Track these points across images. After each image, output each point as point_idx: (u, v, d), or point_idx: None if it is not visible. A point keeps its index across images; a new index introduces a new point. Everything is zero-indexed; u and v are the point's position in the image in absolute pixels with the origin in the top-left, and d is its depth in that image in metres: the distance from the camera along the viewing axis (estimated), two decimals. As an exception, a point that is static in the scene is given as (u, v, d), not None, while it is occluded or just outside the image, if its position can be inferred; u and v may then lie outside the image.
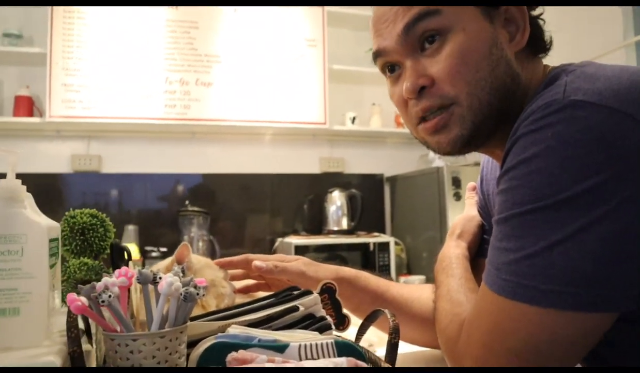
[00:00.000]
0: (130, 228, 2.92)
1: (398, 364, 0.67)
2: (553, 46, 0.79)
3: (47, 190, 2.99)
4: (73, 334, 0.58)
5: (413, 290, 0.99)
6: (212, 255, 3.00)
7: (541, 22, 0.79)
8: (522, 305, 0.58)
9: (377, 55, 0.79)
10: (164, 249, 2.88)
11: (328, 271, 0.93)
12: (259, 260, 0.92)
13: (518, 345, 0.59)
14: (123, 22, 2.96)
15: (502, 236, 0.62)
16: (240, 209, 3.31)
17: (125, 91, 2.93)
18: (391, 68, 0.79)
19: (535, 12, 0.78)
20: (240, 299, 0.96)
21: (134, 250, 2.80)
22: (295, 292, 0.78)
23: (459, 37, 0.71)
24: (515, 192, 0.61)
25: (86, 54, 2.88)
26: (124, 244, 0.90)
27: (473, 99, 0.71)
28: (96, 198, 3.08)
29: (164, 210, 3.18)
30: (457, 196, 2.80)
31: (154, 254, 2.86)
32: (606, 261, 0.55)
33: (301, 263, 0.93)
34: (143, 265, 2.80)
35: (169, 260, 0.87)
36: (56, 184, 3.03)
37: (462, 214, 0.98)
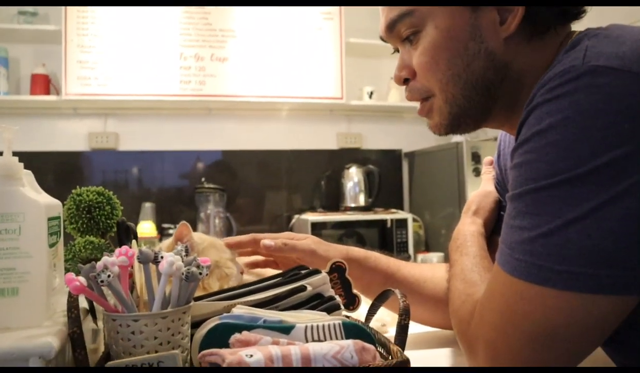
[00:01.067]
0: (147, 206, 2.93)
1: (408, 346, 0.65)
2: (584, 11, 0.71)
3: (65, 168, 3.01)
4: (73, 315, 0.57)
5: (425, 269, 0.96)
6: (229, 232, 3.00)
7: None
8: (536, 287, 0.55)
9: (382, 38, 0.82)
10: (181, 226, 2.89)
11: (338, 250, 0.91)
12: (268, 239, 0.90)
13: (532, 328, 0.56)
14: (137, -3, 2.93)
15: (516, 214, 0.59)
16: (257, 185, 3.30)
17: (140, 68, 2.92)
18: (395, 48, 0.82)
19: None
20: (247, 276, 0.94)
21: (150, 227, 2.81)
22: (303, 271, 0.76)
23: (431, 34, 0.71)
24: (529, 166, 0.58)
25: (101, 31, 2.87)
26: (130, 223, 0.89)
27: (446, 94, 0.72)
28: (115, 176, 3.10)
29: (181, 187, 3.18)
30: (477, 172, 2.75)
31: (170, 231, 2.87)
32: (628, 241, 0.51)
33: (311, 241, 0.91)
34: (160, 242, 2.81)
35: (170, 240, 0.86)
36: (74, 162, 3.05)
37: (478, 189, 0.95)
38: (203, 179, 3.10)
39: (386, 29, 0.76)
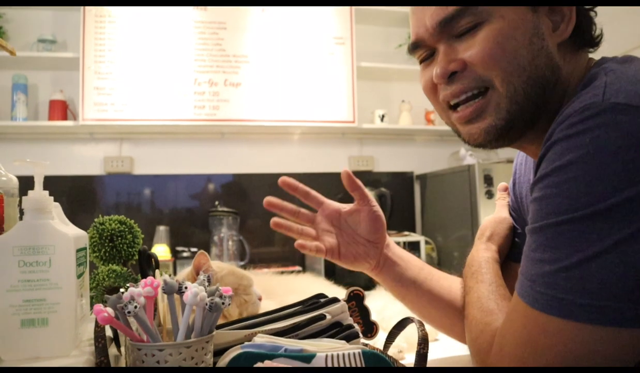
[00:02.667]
0: (162, 229, 2.96)
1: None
2: (603, 37, 0.76)
3: (81, 192, 3.05)
4: (100, 344, 0.58)
5: (444, 279, 0.95)
6: (242, 254, 3.01)
7: (592, 15, 0.75)
8: (558, 320, 0.55)
9: (414, 45, 0.78)
10: (194, 249, 2.90)
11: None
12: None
13: (552, 361, 0.56)
14: (152, 25, 2.99)
15: (537, 246, 0.60)
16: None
17: (155, 93, 2.96)
18: (425, 57, 0.78)
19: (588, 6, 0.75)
20: (267, 302, 0.95)
21: (164, 250, 2.83)
22: (322, 300, 0.77)
23: (497, 23, 0.69)
24: (550, 201, 0.59)
25: (117, 58, 2.93)
26: (152, 251, 0.90)
27: (509, 86, 0.69)
28: (128, 199, 3.13)
29: (194, 210, 3.21)
30: (489, 194, 2.74)
31: (184, 254, 2.89)
32: None
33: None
34: (174, 265, 2.82)
35: (189, 269, 0.87)
36: (90, 186, 3.09)
37: (492, 215, 0.95)
38: (217, 202, 3.12)
39: (439, 24, 0.72)
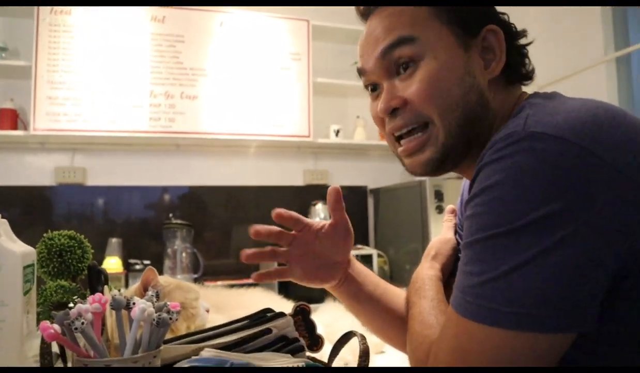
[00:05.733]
0: (114, 241, 2.91)
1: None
2: (535, 73, 0.82)
3: (31, 203, 2.98)
4: (46, 361, 0.59)
5: (397, 297, 0.99)
6: (196, 267, 3.00)
7: (525, 52, 0.82)
8: (485, 327, 0.60)
9: (360, 74, 0.85)
10: (147, 262, 2.87)
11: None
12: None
13: (480, 365, 0.61)
14: (108, 35, 2.96)
15: (467, 260, 0.64)
16: (224, 221, 3.31)
17: (110, 104, 2.93)
18: (373, 87, 0.84)
19: (521, 42, 0.82)
20: (216, 316, 0.97)
21: (116, 263, 2.79)
22: (269, 314, 0.79)
23: (430, 64, 0.75)
24: (479, 218, 0.63)
25: (71, 67, 2.88)
26: (104, 264, 0.91)
27: (444, 122, 0.75)
28: (81, 210, 3.08)
29: (148, 222, 3.18)
30: (440, 209, 2.82)
31: (137, 267, 2.85)
32: (564, 284, 0.57)
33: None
34: (126, 278, 2.78)
35: (137, 285, 0.88)
36: (40, 197, 3.02)
37: (439, 236, 1.00)
38: (171, 214, 3.10)
39: (380, 54, 0.78)
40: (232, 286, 1.36)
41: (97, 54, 2.93)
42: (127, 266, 2.88)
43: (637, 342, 0.64)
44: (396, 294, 0.99)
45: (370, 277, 0.99)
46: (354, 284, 0.96)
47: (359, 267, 0.98)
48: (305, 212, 3.26)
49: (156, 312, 0.63)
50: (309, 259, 0.93)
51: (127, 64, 2.98)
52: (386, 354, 1.11)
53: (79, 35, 2.91)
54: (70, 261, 0.90)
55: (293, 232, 0.93)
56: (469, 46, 0.77)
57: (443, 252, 0.95)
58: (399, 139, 0.81)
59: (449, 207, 1.04)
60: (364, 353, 0.70)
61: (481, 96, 0.76)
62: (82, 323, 0.59)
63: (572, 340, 0.60)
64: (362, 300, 0.96)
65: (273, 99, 3.23)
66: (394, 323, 0.95)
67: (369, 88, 0.85)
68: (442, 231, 1.01)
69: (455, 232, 0.99)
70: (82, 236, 0.94)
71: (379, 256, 3.18)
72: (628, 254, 0.59)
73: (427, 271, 0.90)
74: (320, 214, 3.21)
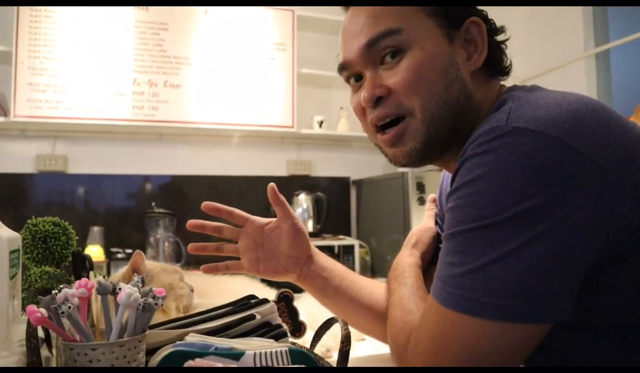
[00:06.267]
0: (96, 230, 2.90)
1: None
2: (512, 67, 0.85)
3: (11, 190, 2.95)
4: (32, 344, 0.59)
5: (367, 281, 1.01)
6: (178, 256, 3.00)
7: (503, 47, 0.84)
8: (464, 316, 0.62)
9: (342, 67, 0.85)
10: (129, 250, 2.86)
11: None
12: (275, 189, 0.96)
13: (460, 353, 0.63)
14: (91, 22, 2.93)
15: (448, 251, 0.66)
16: (207, 210, 3.31)
17: (92, 92, 2.91)
18: (356, 78, 0.85)
19: (500, 38, 0.84)
20: (200, 300, 0.98)
21: (98, 251, 2.78)
22: (253, 301, 0.80)
23: (417, 54, 0.76)
24: (461, 211, 0.65)
25: (53, 54, 2.85)
26: (86, 253, 0.91)
27: (426, 113, 0.76)
28: (61, 198, 3.05)
29: (130, 211, 3.16)
30: (421, 201, 2.85)
31: (119, 256, 2.85)
32: (542, 276, 0.59)
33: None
34: (108, 267, 2.78)
35: (124, 269, 0.89)
36: (20, 184, 2.99)
37: (420, 224, 1.02)
38: (153, 203, 3.09)
39: (366, 45, 0.79)
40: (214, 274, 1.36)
41: (79, 41, 2.90)
42: (109, 255, 2.87)
43: (619, 332, 0.66)
44: (365, 285, 1.00)
45: (337, 270, 1.00)
46: (319, 279, 0.97)
47: (324, 262, 1.00)
48: (289, 202, 3.25)
49: (142, 297, 0.64)
50: (258, 253, 0.95)
51: (110, 51, 2.95)
52: (367, 341, 1.13)
53: (61, 21, 2.88)
54: (54, 247, 0.90)
55: (235, 230, 0.98)
56: (453, 38, 0.78)
57: (423, 240, 0.97)
58: (381, 129, 0.82)
59: (430, 196, 1.06)
60: (346, 339, 0.72)
61: (464, 87, 0.78)
62: (69, 308, 0.60)
63: (548, 330, 0.62)
64: (330, 294, 0.98)
65: (257, 89, 3.23)
66: (364, 314, 0.96)
67: (351, 81, 0.86)
68: (423, 220, 1.03)
69: (436, 222, 1.01)
70: (67, 223, 0.94)
71: (361, 246, 3.21)
72: (606, 246, 0.61)
73: (407, 258, 0.92)
74: (303, 205, 3.23)
